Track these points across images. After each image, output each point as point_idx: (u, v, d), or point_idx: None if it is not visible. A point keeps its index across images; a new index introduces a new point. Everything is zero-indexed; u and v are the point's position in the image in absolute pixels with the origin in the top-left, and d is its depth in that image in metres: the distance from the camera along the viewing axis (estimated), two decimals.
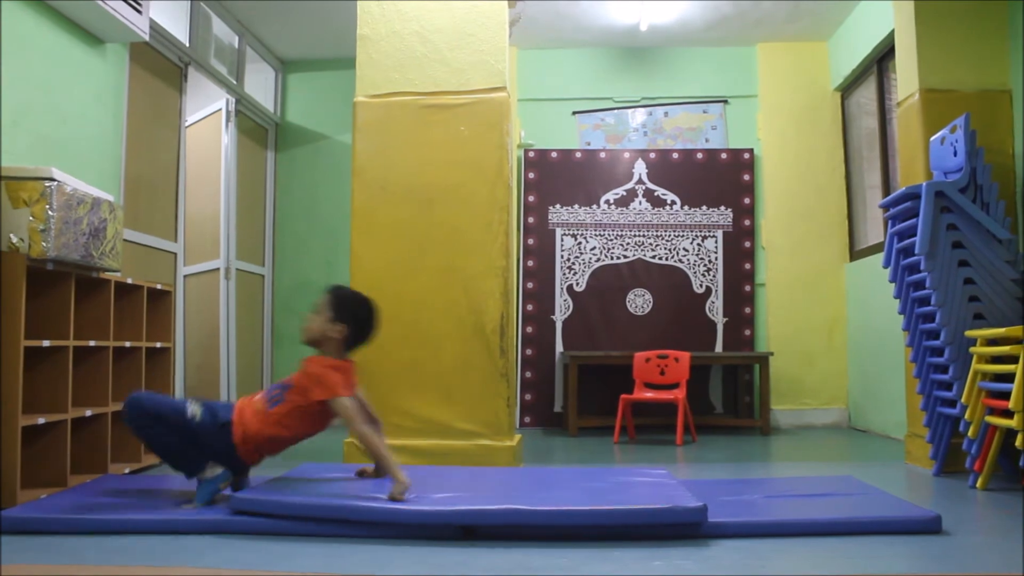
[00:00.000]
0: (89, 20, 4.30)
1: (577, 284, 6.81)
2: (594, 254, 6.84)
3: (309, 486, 3.17)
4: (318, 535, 2.78)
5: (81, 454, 3.88)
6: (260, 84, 7.01)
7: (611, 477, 3.47)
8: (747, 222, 6.86)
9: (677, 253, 6.83)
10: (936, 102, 4.40)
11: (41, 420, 3.40)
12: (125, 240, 4.70)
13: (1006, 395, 3.44)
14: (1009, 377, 3.46)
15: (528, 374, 6.74)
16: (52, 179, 3.47)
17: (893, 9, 4.79)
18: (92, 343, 3.84)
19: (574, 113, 7.13)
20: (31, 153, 3.94)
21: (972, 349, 3.80)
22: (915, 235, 4.00)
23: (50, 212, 3.42)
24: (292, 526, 2.82)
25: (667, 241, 6.84)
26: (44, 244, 3.40)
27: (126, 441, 4.23)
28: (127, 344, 4.16)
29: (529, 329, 6.79)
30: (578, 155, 6.96)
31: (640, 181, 6.89)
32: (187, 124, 5.92)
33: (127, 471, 4.08)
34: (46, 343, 3.46)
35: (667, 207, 6.87)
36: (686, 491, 3.00)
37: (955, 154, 4.08)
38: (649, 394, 5.83)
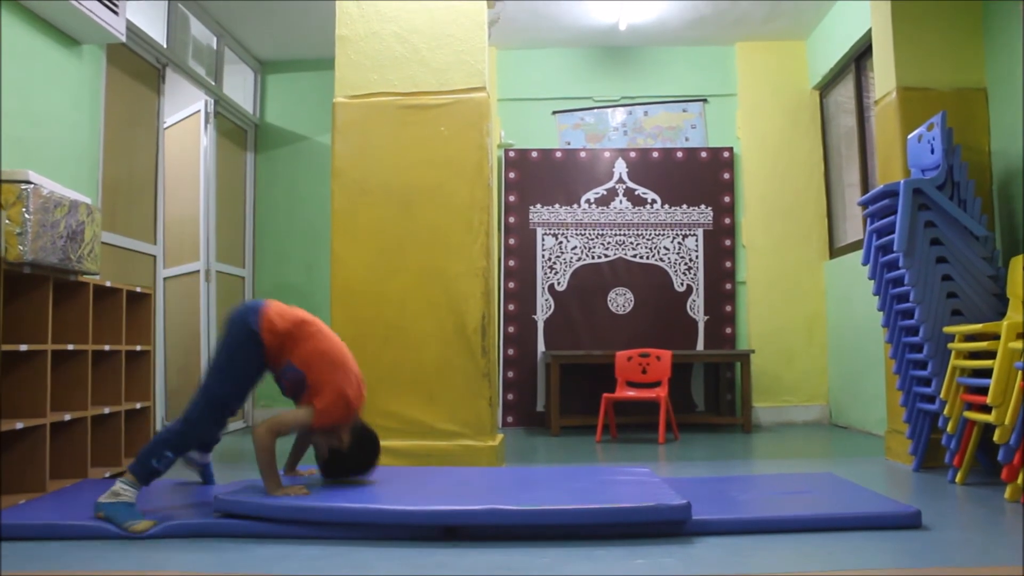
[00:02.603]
0: (65, 21, 4.26)
1: (558, 284, 6.82)
2: (575, 253, 6.85)
3: None
4: (301, 537, 2.77)
5: (61, 459, 3.84)
6: (239, 85, 6.97)
7: (594, 476, 3.47)
8: (727, 220, 6.89)
9: (658, 252, 6.85)
10: (913, 100, 4.44)
11: (19, 425, 3.36)
12: (103, 243, 4.67)
13: (984, 390, 3.47)
14: (987, 373, 3.49)
15: (510, 374, 6.74)
16: (28, 182, 3.44)
17: (870, 9, 4.82)
18: (71, 347, 3.80)
19: (554, 113, 7.13)
20: (7, 156, 3.90)
21: (950, 345, 3.83)
22: (893, 232, 4.03)
23: (27, 215, 3.39)
24: (275, 528, 2.81)
25: (648, 240, 6.86)
26: (21, 247, 3.37)
27: (106, 445, 4.20)
28: (106, 347, 4.13)
29: (511, 329, 6.79)
30: (558, 155, 6.97)
31: (620, 180, 6.91)
32: (165, 126, 5.88)
33: (107, 475, 4.04)
34: (24, 347, 3.43)
35: (647, 206, 6.89)
36: (669, 489, 3.00)
37: (932, 152, 4.11)
38: (631, 393, 5.84)
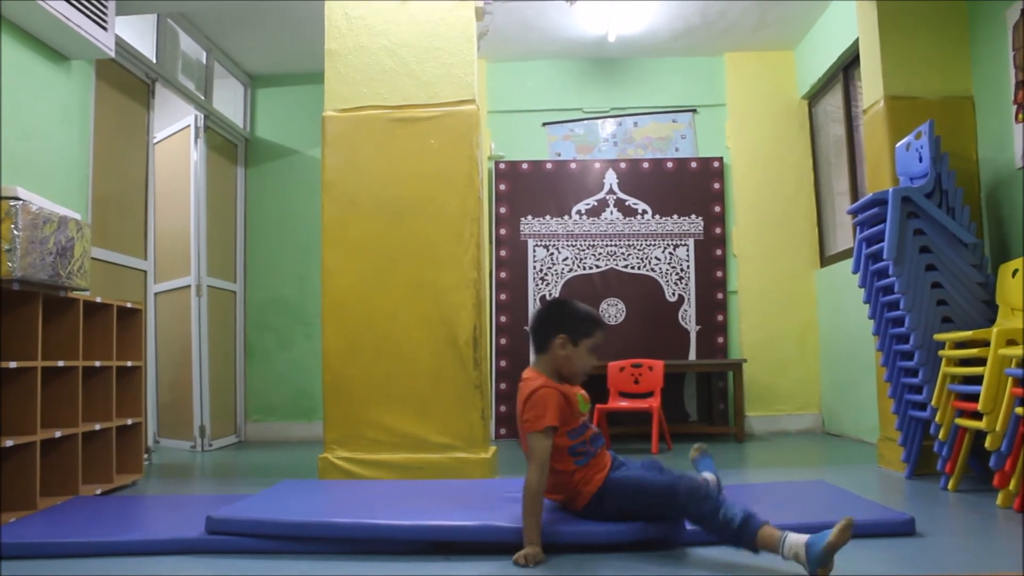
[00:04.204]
0: (53, 37, 4.26)
1: (550, 295, 6.82)
2: (566, 264, 6.86)
3: (285, 504, 3.14)
4: (294, 553, 2.76)
5: (51, 476, 3.82)
6: (229, 100, 6.97)
7: None
8: (718, 230, 6.91)
9: (649, 262, 6.86)
10: (901, 109, 4.46)
11: (9, 442, 3.35)
12: (93, 258, 4.66)
13: (975, 397, 3.48)
14: (977, 379, 3.50)
15: (503, 385, 6.74)
16: (17, 198, 3.43)
17: (857, 18, 4.85)
18: (61, 363, 3.79)
19: (544, 124, 7.15)
20: None
21: (941, 352, 3.84)
22: (883, 240, 4.05)
23: (15, 231, 3.38)
24: (268, 544, 2.80)
25: (639, 250, 6.87)
26: (10, 264, 3.36)
27: (97, 462, 4.18)
28: (97, 364, 4.12)
29: (503, 340, 6.79)
30: (549, 166, 6.98)
31: (611, 191, 6.93)
32: (155, 140, 5.89)
33: (98, 492, 4.03)
34: (13, 364, 3.42)
35: (638, 216, 6.90)
36: None
37: (920, 160, 4.13)
38: (624, 403, 5.84)
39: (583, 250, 6.87)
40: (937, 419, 3.82)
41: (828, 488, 3.55)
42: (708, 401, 6.73)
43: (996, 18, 4.23)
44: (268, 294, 7.02)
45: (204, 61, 6.49)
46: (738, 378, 6.26)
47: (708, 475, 3.13)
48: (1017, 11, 4.03)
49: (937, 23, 4.51)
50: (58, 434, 3.73)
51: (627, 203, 6.92)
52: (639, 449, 5.79)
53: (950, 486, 3.75)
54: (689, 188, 6.94)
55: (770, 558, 2.45)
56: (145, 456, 5.00)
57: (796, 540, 2.34)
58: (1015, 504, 3.20)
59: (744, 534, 2.44)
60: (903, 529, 2.84)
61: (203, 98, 6.37)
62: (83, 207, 4.67)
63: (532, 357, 2.94)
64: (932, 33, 4.51)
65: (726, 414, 6.62)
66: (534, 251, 6.88)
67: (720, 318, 6.83)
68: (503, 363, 6.76)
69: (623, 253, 6.86)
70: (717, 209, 6.93)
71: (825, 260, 6.74)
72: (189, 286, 6.26)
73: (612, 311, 6.80)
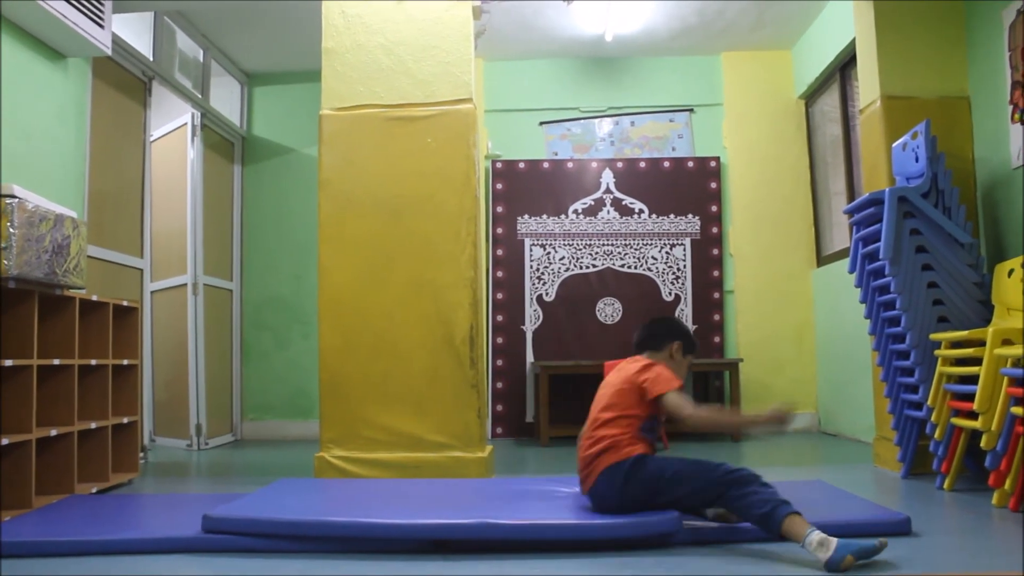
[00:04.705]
0: (50, 35, 4.26)
1: (547, 294, 6.82)
2: (563, 264, 6.86)
3: (281, 503, 3.14)
4: (291, 552, 2.76)
5: (47, 475, 3.81)
6: (226, 98, 6.96)
7: None
8: (715, 229, 6.91)
9: (646, 261, 6.86)
10: (897, 109, 4.47)
11: (4, 441, 3.34)
12: (90, 257, 4.65)
13: (971, 397, 3.48)
14: (973, 379, 3.51)
15: (499, 385, 6.74)
16: (13, 196, 3.43)
17: (854, 18, 4.86)
18: (57, 362, 3.78)
19: (541, 123, 7.15)
20: None
21: (937, 352, 3.85)
22: (879, 240, 4.05)
23: (11, 229, 3.38)
24: (265, 543, 2.79)
25: (635, 250, 6.87)
26: (6, 262, 3.35)
27: (93, 461, 4.18)
28: (93, 362, 4.11)
29: (499, 340, 6.79)
30: (545, 165, 6.98)
31: (608, 190, 6.93)
32: (152, 139, 5.87)
33: (94, 490, 4.02)
34: (9, 363, 3.41)
35: (635, 216, 6.90)
36: None
37: (916, 160, 4.14)
38: None
39: (580, 249, 6.87)
40: (933, 418, 3.82)
41: (826, 488, 3.56)
42: (704, 400, 6.72)
43: (992, 18, 4.23)
44: (265, 293, 7.01)
45: (201, 59, 6.48)
46: (734, 377, 6.26)
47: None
48: (1013, 11, 4.04)
49: (934, 23, 4.52)
50: (54, 432, 3.72)
51: (624, 202, 6.92)
52: None
53: (946, 485, 3.76)
54: (686, 187, 6.95)
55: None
56: (141, 455, 5.00)
57: (823, 537, 2.46)
58: (1011, 503, 3.21)
59: (772, 521, 2.59)
60: (899, 528, 2.84)
61: (200, 96, 6.36)
62: (79, 205, 4.67)
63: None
64: (929, 33, 4.52)
65: None
66: (531, 250, 6.88)
67: (716, 317, 6.84)
68: (499, 362, 6.76)
69: (620, 252, 6.87)
70: (714, 208, 6.93)
71: (822, 260, 6.74)
72: (185, 284, 6.25)
73: (608, 310, 6.81)
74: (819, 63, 6.38)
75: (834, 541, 2.42)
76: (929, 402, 3.85)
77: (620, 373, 3.11)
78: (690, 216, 6.92)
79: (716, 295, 6.86)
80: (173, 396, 6.30)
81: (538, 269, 6.86)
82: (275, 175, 7.10)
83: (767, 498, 2.63)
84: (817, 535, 2.46)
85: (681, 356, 3.18)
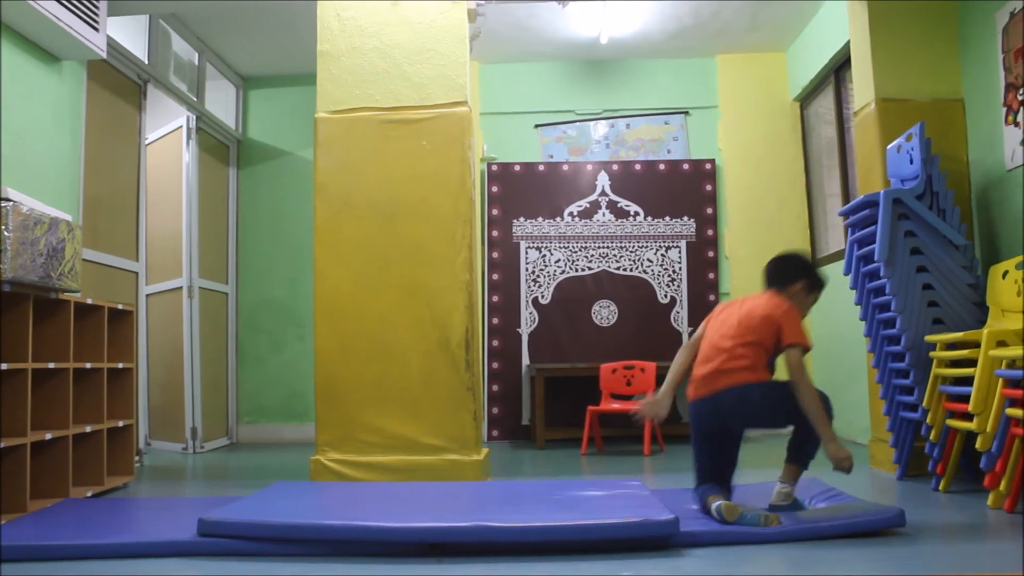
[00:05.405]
0: (45, 37, 4.25)
1: (542, 297, 6.82)
2: (559, 266, 6.86)
3: (277, 506, 3.14)
4: (287, 555, 2.75)
5: (41, 479, 3.81)
6: (221, 101, 6.95)
7: (582, 489, 3.47)
8: (710, 232, 6.92)
9: (641, 264, 6.87)
10: (892, 111, 4.48)
11: (0, 444, 3.33)
12: (85, 260, 4.64)
13: (966, 398, 3.49)
14: (968, 380, 3.51)
15: (495, 387, 6.74)
16: (8, 199, 3.42)
17: (848, 21, 4.87)
18: (52, 365, 3.77)
19: (536, 126, 7.16)
20: None
21: (932, 354, 3.86)
22: (874, 242, 4.06)
23: (6, 233, 3.37)
24: (261, 547, 2.79)
25: (631, 252, 6.87)
26: (0, 265, 3.35)
27: (88, 464, 4.16)
28: (88, 365, 4.10)
29: (495, 342, 6.79)
30: (541, 168, 6.98)
31: (603, 193, 6.93)
32: (147, 142, 5.87)
33: (89, 494, 4.01)
34: (3, 366, 3.40)
35: (630, 218, 6.91)
36: (658, 502, 3.00)
37: (911, 162, 4.14)
38: (616, 405, 5.84)
39: (575, 252, 6.87)
40: (928, 420, 3.83)
41: (822, 487, 3.57)
42: None
43: (986, 21, 4.25)
44: (260, 296, 7.00)
45: (196, 62, 6.47)
46: None
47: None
48: (1007, 14, 4.05)
49: (928, 25, 4.54)
50: (49, 436, 3.71)
51: (619, 205, 6.92)
52: (631, 451, 5.80)
53: (941, 487, 3.76)
54: (681, 190, 6.96)
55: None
56: (136, 458, 4.99)
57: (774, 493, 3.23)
58: (1006, 504, 3.22)
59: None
60: (895, 522, 2.86)
61: (195, 99, 6.35)
62: (74, 208, 4.66)
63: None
64: (923, 35, 4.53)
65: None
66: (526, 253, 6.89)
67: None
68: (495, 365, 6.76)
69: (615, 255, 6.87)
70: (709, 211, 6.94)
71: (817, 262, 6.74)
72: (181, 288, 6.24)
73: (604, 313, 6.81)
74: (814, 65, 6.39)
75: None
76: (924, 404, 3.86)
77: (755, 307, 3.25)
78: (685, 218, 6.92)
79: (712, 297, 6.86)
80: (168, 399, 6.29)
81: (534, 272, 6.86)
82: (270, 178, 7.09)
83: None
84: (779, 493, 3.22)
85: (804, 296, 3.33)
